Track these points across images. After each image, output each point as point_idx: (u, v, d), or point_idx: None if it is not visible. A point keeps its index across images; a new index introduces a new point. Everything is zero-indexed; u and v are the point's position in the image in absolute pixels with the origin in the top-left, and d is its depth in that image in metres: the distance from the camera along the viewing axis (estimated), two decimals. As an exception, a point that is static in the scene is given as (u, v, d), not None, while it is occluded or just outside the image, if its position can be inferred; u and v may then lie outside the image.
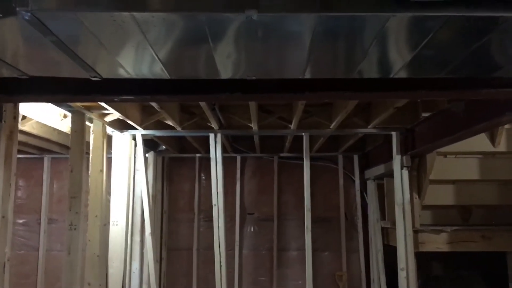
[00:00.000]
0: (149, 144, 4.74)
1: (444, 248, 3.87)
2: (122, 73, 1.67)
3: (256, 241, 5.39)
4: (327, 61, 1.64)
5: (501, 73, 1.71)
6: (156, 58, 1.50)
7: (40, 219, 5.36)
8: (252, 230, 5.40)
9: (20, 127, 3.09)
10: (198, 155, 5.37)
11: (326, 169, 5.39)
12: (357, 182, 5.32)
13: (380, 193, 4.86)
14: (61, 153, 4.99)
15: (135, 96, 2.14)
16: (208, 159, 4.27)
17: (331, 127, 3.76)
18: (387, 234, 4.67)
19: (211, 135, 4.15)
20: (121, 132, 3.99)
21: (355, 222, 5.32)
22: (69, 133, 3.31)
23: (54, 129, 3.86)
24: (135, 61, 1.57)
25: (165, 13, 1.19)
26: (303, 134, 4.20)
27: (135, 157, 4.28)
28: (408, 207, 3.72)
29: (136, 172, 4.32)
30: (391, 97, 2.72)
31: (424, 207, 3.93)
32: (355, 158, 5.33)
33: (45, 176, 5.41)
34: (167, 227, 5.34)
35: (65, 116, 3.69)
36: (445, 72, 1.67)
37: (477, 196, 3.94)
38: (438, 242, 3.85)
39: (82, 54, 1.49)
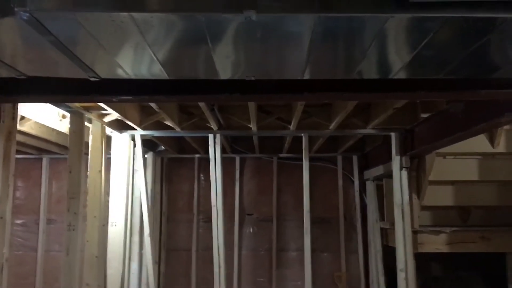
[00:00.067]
0: (148, 144, 4.73)
1: (443, 249, 3.87)
2: (121, 74, 1.67)
3: (255, 242, 5.38)
4: (327, 62, 1.64)
5: (500, 74, 1.70)
6: (155, 58, 1.49)
7: (38, 220, 5.36)
8: (251, 230, 5.40)
9: (19, 127, 3.08)
10: (197, 155, 5.37)
11: (325, 170, 5.39)
12: (356, 182, 5.31)
13: (379, 193, 4.85)
14: (60, 154, 4.99)
15: (133, 97, 2.13)
16: (207, 159, 4.27)
17: (330, 127, 3.76)
18: (386, 234, 4.67)
19: (210, 136, 4.15)
20: (120, 132, 3.99)
21: (354, 222, 5.32)
22: (68, 133, 3.31)
23: (53, 130, 3.85)
24: (134, 62, 1.57)
25: (164, 14, 1.18)
26: (302, 134, 4.20)
27: (134, 157, 4.27)
28: (407, 208, 3.72)
29: (135, 172, 4.31)
30: (390, 98, 2.72)
31: (423, 208, 3.92)
32: (354, 158, 5.33)
33: (43, 177, 5.41)
34: (166, 228, 5.34)
35: (63, 117, 3.69)
36: (444, 73, 1.67)
37: (476, 197, 3.94)
38: (437, 243, 3.86)
39: (80, 55, 1.49)
